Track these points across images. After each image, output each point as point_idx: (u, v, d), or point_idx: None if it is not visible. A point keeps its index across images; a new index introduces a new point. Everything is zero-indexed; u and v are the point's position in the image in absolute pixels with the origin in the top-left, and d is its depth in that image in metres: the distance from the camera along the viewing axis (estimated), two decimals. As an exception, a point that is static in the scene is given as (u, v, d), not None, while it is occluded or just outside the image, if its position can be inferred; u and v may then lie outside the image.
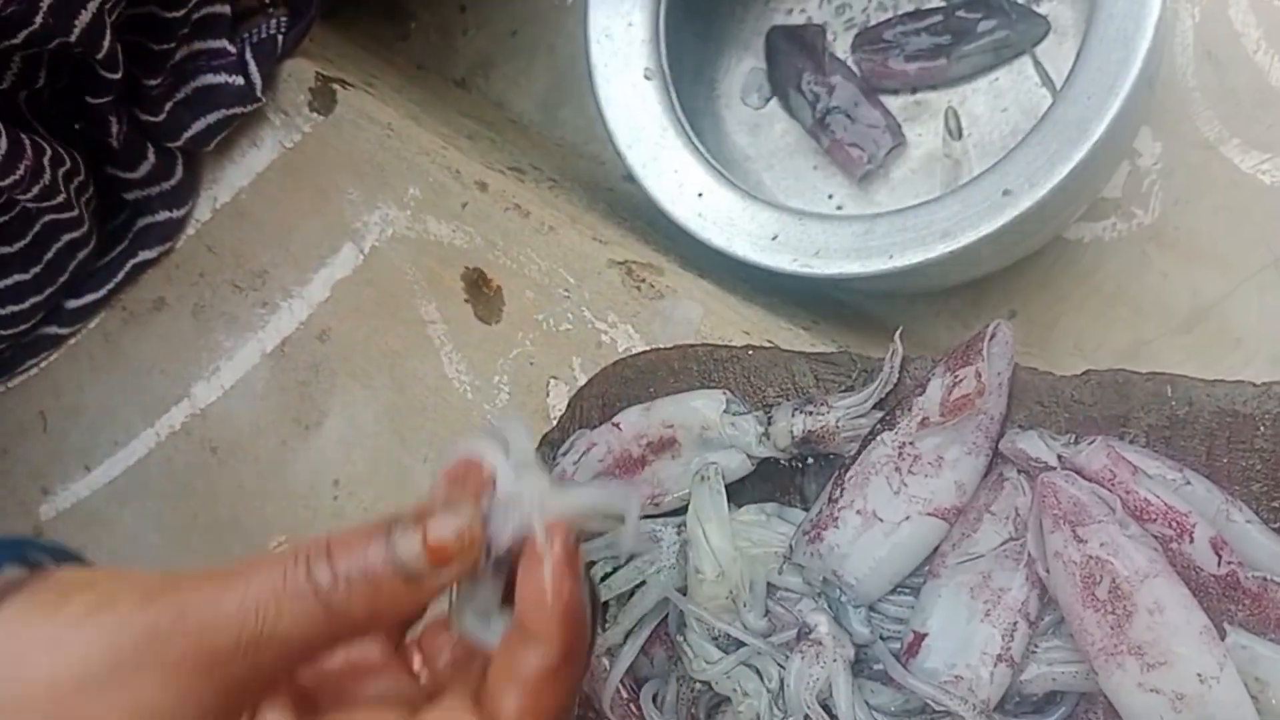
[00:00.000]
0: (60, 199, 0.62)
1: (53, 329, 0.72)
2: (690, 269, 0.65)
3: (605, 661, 0.53)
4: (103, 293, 0.70)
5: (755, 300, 0.64)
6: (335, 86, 0.66)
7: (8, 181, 0.57)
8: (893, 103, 0.78)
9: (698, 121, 0.78)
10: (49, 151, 0.60)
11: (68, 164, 0.62)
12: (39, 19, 0.52)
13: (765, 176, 0.79)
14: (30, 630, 0.27)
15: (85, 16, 0.54)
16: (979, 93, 0.76)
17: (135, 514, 0.70)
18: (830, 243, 0.62)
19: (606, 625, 0.54)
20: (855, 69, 0.78)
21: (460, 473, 0.32)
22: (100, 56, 0.58)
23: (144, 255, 0.69)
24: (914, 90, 0.78)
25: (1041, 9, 0.74)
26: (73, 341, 0.72)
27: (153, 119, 0.64)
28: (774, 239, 0.63)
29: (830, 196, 0.78)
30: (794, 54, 0.78)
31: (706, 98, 0.80)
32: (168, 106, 0.64)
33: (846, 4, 0.79)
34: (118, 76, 0.59)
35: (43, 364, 0.73)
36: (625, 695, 0.52)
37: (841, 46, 0.78)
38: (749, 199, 0.64)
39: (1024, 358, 0.75)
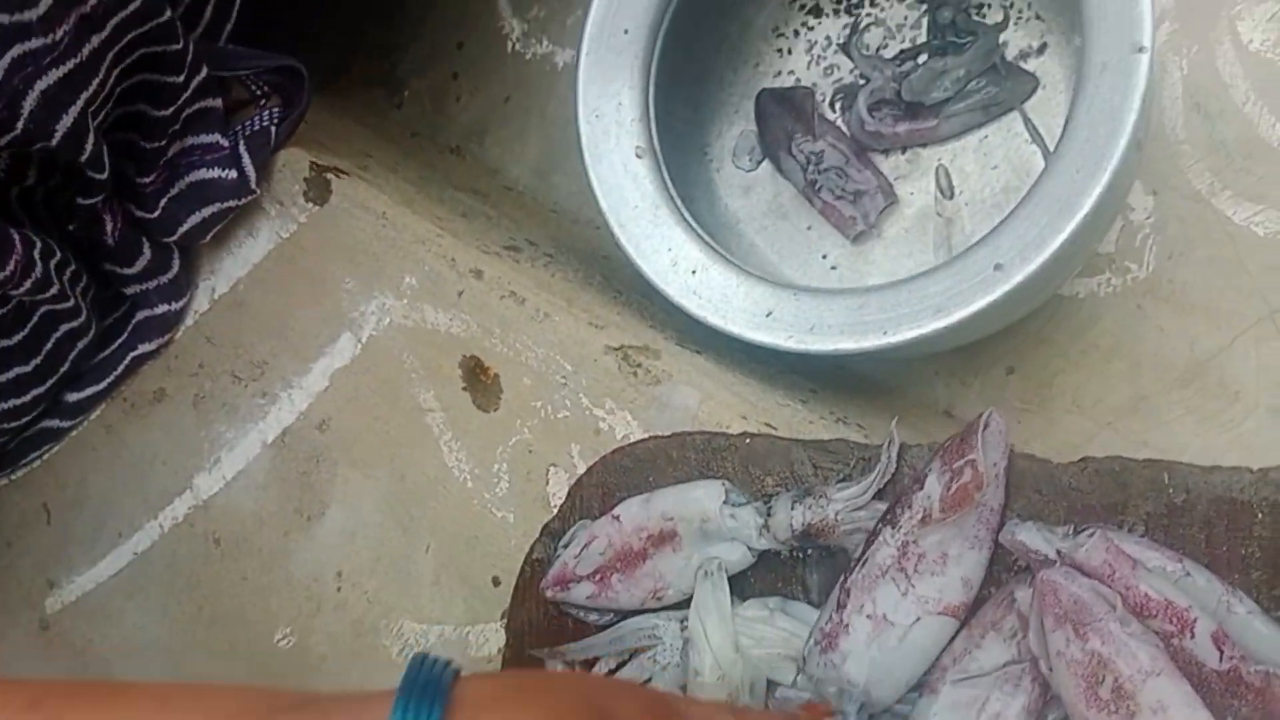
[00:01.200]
0: (55, 290, 0.63)
1: (54, 422, 0.72)
2: (686, 345, 0.65)
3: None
4: (103, 385, 0.71)
5: (752, 373, 0.64)
6: (330, 175, 0.66)
7: None
8: (884, 161, 0.78)
9: (690, 186, 0.79)
10: (39, 244, 0.60)
11: (58, 256, 0.62)
12: (20, 125, 0.53)
13: (759, 239, 0.79)
14: None
15: (66, 121, 0.54)
16: (969, 150, 0.76)
17: (140, 607, 0.70)
18: (825, 319, 0.62)
19: None
20: (845, 129, 0.78)
21: None
22: (84, 159, 0.58)
23: (143, 348, 0.69)
24: (904, 149, 0.78)
25: (1030, 65, 0.74)
26: (74, 434, 0.73)
27: (148, 215, 0.65)
28: (769, 316, 0.63)
29: (824, 256, 0.78)
30: (784, 116, 0.78)
31: (699, 162, 0.81)
32: (162, 203, 0.64)
33: (834, 65, 0.80)
34: (104, 177, 0.60)
35: (45, 456, 0.74)
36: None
37: (831, 108, 0.79)
38: (743, 275, 0.64)
39: (1023, 414, 0.75)
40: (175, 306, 0.68)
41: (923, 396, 0.76)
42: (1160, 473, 0.46)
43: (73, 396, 0.72)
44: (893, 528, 0.47)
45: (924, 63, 0.76)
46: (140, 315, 0.69)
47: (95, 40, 0.54)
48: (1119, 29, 0.55)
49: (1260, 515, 0.45)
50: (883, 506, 0.50)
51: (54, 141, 0.55)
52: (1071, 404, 0.74)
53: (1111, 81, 0.56)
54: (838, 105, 0.79)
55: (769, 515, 0.51)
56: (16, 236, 0.58)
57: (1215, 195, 0.71)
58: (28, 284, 0.60)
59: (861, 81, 0.78)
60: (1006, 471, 0.48)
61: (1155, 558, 0.45)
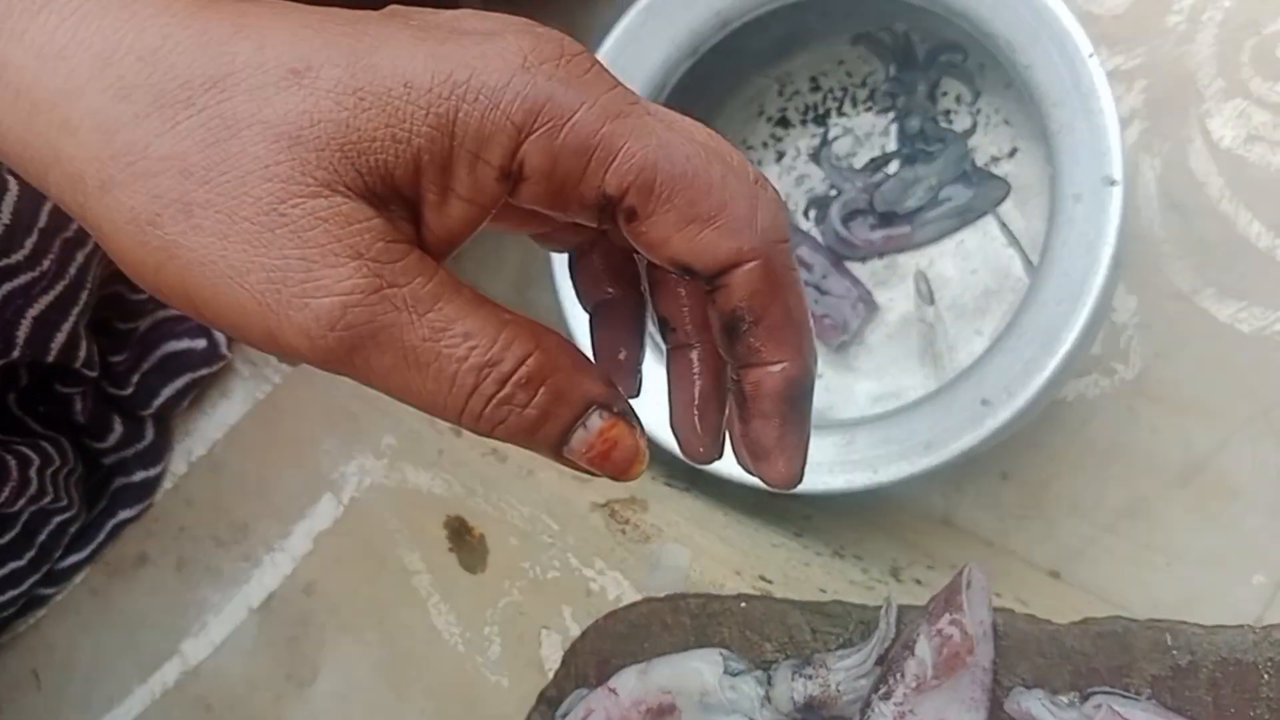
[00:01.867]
0: (49, 498, 0.62)
1: (40, 590, 0.71)
2: (674, 482, 0.64)
3: None
4: (86, 553, 0.70)
5: (742, 513, 0.64)
6: (301, 333, 0.65)
7: None
8: (862, 269, 0.77)
9: (670, 304, 0.78)
10: (37, 460, 0.60)
11: (56, 463, 0.62)
12: (16, 352, 0.52)
13: (743, 352, 0.79)
14: None
15: (60, 338, 0.54)
16: (947, 255, 0.75)
17: (135, 777, 0.69)
18: (813, 457, 0.60)
19: None
20: (820, 240, 0.78)
21: None
22: (79, 364, 0.58)
23: (124, 514, 0.68)
24: (882, 255, 0.77)
25: (1001, 170, 0.74)
26: (59, 599, 0.71)
27: (121, 392, 0.64)
28: (756, 455, 0.62)
29: (810, 366, 0.77)
30: (759, 230, 0.78)
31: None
32: (134, 379, 0.64)
33: (805, 175, 0.79)
34: (95, 374, 0.59)
35: (31, 621, 0.72)
36: None
37: (805, 218, 0.78)
38: (727, 411, 0.64)
39: (1022, 520, 0.74)
40: (153, 472, 0.67)
41: (919, 507, 0.75)
42: (1163, 634, 0.45)
43: (58, 565, 0.71)
44: (886, 700, 0.46)
45: (895, 172, 0.76)
46: (118, 482, 0.68)
47: (80, 256, 0.54)
48: (1089, 162, 0.55)
49: (1266, 676, 0.44)
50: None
51: (50, 358, 0.54)
52: (1070, 508, 0.73)
53: (1085, 213, 0.55)
54: (811, 215, 0.79)
55: (770, 686, 0.50)
56: (13, 461, 0.58)
57: (1198, 293, 0.71)
58: (23, 500, 0.59)
59: (834, 192, 0.78)
60: (994, 626, 0.47)
61: (1164, 727, 0.44)
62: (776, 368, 0.31)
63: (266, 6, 0.28)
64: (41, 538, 0.65)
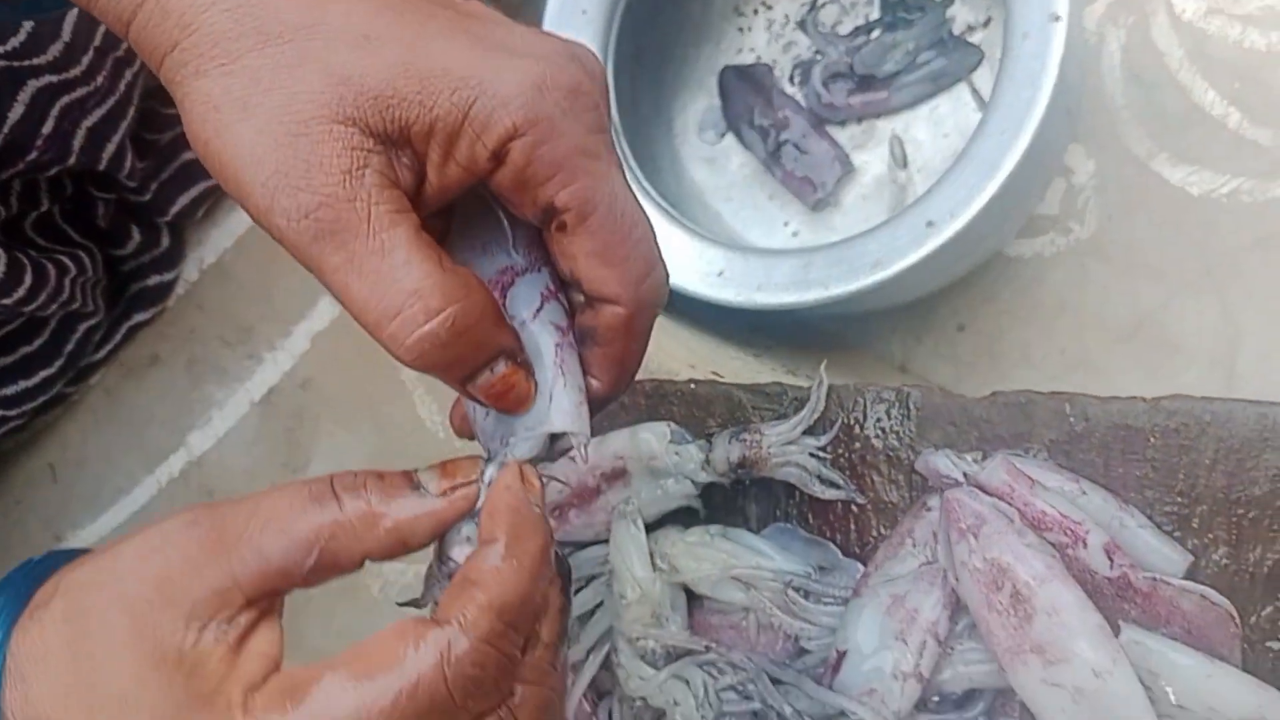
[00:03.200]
0: (78, 304, 0.67)
1: (60, 389, 0.77)
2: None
3: (570, 676, 0.57)
4: (103, 353, 0.75)
5: (708, 331, 0.69)
6: (308, 151, 0.70)
7: (11, 300, 0.61)
8: (841, 133, 0.82)
9: (657, 159, 0.83)
10: (72, 269, 0.65)
11: (89, 272, 0.67)
12: (72, 159, 0.58)
13: (724, 208, 0.83)
14: None
15: (110, 149, 0.59)
16: (921, 120, 0.80)
17: (141, 557, 0.75)
18: (772, 277, 0.66)
19: (571, 643, 0.58)
20: (803, 103, 0.82)
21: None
22: (124, 175, 0.63)
23: (139, 317, 0.74)
24: (860, 120, 0.82)
25: (975, 39, 0.78)
26: (76, 398, 0.77)
27: (140, 199, 0.69)
28: (720, 275, 0.67)
29: (786, 224, 0.82)
30: (745, 92, 0.82)
31: (664, 136, 0.85)
32: (153, 186, 0.69)
33: (793, 42, 0.83)
34: (136, 184, 0.64)
35: (49, 418, 0.78)
36: (588, 708, 0.57)
37: (790, 83, 0.83)
38: (697, 238, 0.69)
39: (973, 370, 0.79)
40: (167, 277, 0.73)
41: (879, 353, 0.80)
42: (1063, 403, 0.50)
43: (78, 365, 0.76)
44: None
45: (876, 37, 0.80)
46: (135, 287, 0.74)
47: (129, 74, 0.60)
48: (1037, 1, 0.59)
49: (1153, 440, 0.49)
50: (812, 441, 0.54)
51: (101, 166, 0.60)
52: (1020, 359, 0.77)
53: (1031, 49, 0.59)
54: (796, 80, 0.83)
55: (710, 451, 0.55)
56: (51, 267, 0.63)
57: (1153, 158, 0.75)
58: (55, 306, 0.65)
59: (818, 57, 0.82)
60: (909, 400, 0.52)
61: (1054, 479, 0.49)
62: (594, 383, 0.40)
63: None
64: (69, 346, 0.71)
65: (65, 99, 0.57)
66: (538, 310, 0.39)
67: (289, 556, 0.33)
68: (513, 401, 0.38)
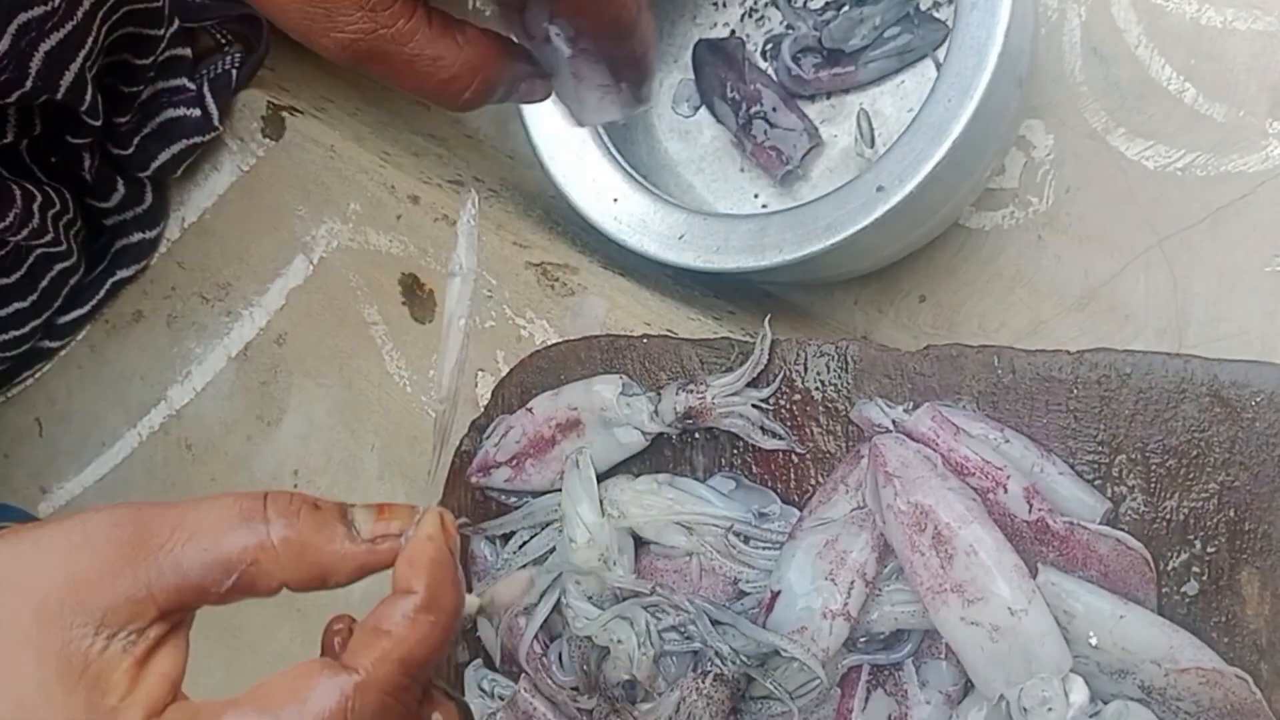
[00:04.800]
0: (50, 237, 0.70)
1: (45, 343, 0.80)
2: (611, 268, 0.71)
3: (522, 620, 0.60)
4: (87, 309, 0.78)
5: (669, 293, 0.71)
6: (285, 114, 0.73)
7: None
8: (810, 107, 0.83)
9: (631, 129, 0.85)
10: (39, 197, 0.67)
11: (57, 206, 0.69)
12: (29, 83, 0.60)
13: (695, 180, 0.85)
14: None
15: (69, 77, 0.61)
16: (887, 95, 0.81)
17: (122, 507, 0.77)
18: (730, 241, 0.68)
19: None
20: (774, 77, 0.84)
21: None
22: (84, 109, 0.65)
23: (122, 274, 0.76)
24: (829, 95, 0.83)
25: (941, 15, 0.80)
26: (63, 353, 0.80)
27: (123, 153, 0.71)
28: (681, 238, 0.69)
29: (756, 196, 0.84)
30: (718, 65, 0.84)
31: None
32: (136, 141, 0.71)
33: (765, 17, 0.85)
34: (98, 123, 0.66)
35: (36, 375, 0.81)
36: (539, 649, 0.59)
37: (762, 58, 0.85)
38: (660, 202, 0.71)
39: (933, 338, 0.81)
40: (150, 235, 0.75)
41: (841, 323, 0.82)
42: (991, 356, 0.52)
43: (61, 319, 0.79)
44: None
45: (844, 12, 0.81)
46: (119, 244, 0.76)
47: (87, 3, 0.61)
48: (985, -30, 0.61)
49: (1075, 391, 0.51)
50: (755, 393, 0.56)
51: (59, 95, 0.62)
52: (978, 328, 0.79)
53: (979, 19, 0.61)
54: (768, 54, 0.85)
55: (659, 402, 0.57)
56: (17, 191, 0.65)
57: (1110, 133, 0.76)
58: (25, 232, 0.67)
59: (789, 31, 0.84)
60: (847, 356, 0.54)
61: (979, 427, 0.51)
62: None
63: None
64: (44, 283, 0.73)
65: (23, 16, 0.58)
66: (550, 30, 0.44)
67: (208, 574, 0.33)
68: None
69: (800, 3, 0.84)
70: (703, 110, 0.86)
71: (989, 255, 0.79)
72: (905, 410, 0.52)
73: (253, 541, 0.33)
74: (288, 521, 0.34)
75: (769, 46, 0.85)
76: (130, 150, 0.72)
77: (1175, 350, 0.74)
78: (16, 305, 0.72)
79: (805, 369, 0.56)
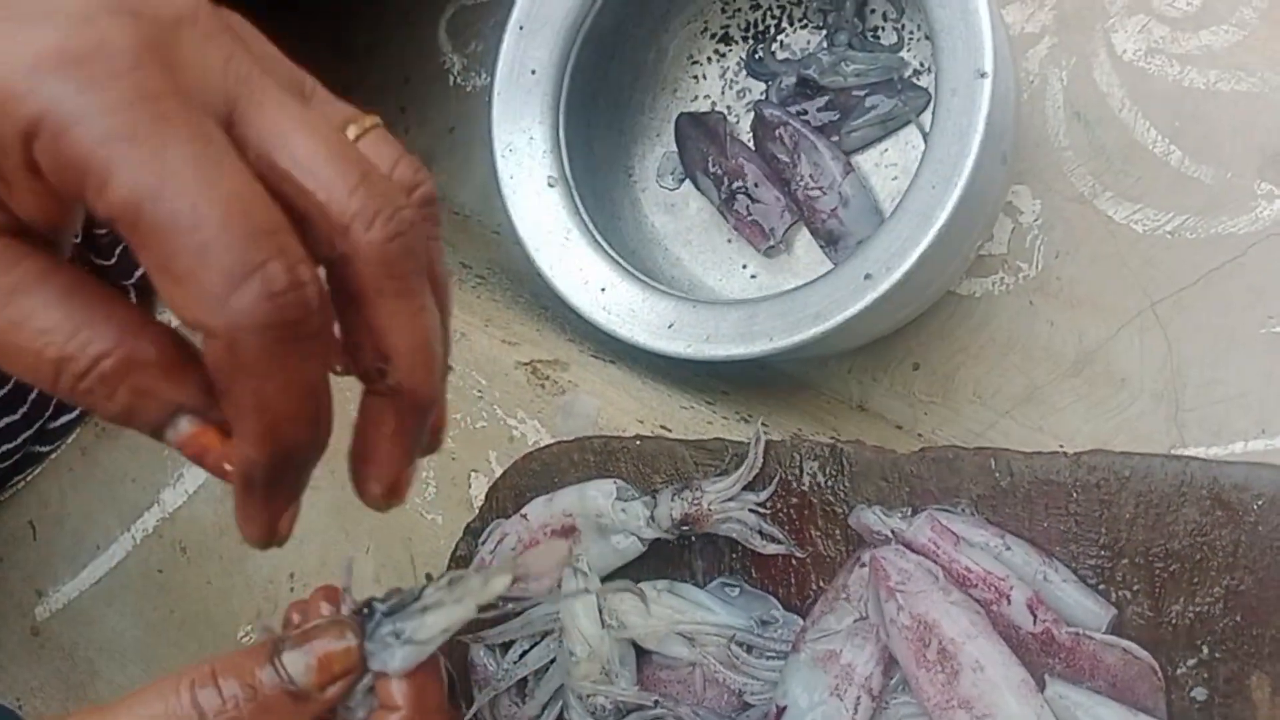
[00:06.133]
0: None
1: (36, 448, 0.79)
2: (601, 356, 0.71)
3: (525, 732, 0.59)
4: (76, 413, 0.77)
5: (660, 380, 0.70)
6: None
7: None
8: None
9: (616, 205, 0.85)
10: None
11: None
12: None
13: (684, 253, 0.85)
14: None
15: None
16: (870, 164, 0.81)
17: (119, 611, 0.77)
18: (720, 329, 0.67)
19: (527, 698, 0.60)
20: (753, 149, 0.84)
21: (316, 601, 0.37)
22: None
23: (109, 377, 0.76)
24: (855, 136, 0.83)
25: (922, 82, 0.80)
26: (53, 456, 0.79)
27: (106, 263, 0.71)
28: (670, 327, 0.68)
29: (744, 266, 0.84)
30: (699, 139, 0.84)
31: (624, 183, 0.86)
32: (117, 251, 0.71)
33: (746, 89, 0.85)
34: (78, 239, 0.66)
35: (28, 478, 0.80)
36: (543, 763, 0.58)
37: (744, 129, 0.84)
38: (649, 290, 0.70)
39: (929, 407, 0.81)
40: (136, 338, 0.75)
41: (836, 393, 0.82)
42: (988, 459, 0.52)
43: (52, 424, 0.78)
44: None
45: (825, 49, 0.81)
46: (106, 347, 0.75)
47: None
48: (965, 57, 0.61)
49: (1075, 495, 0.50)
50: (752, 497, 0.55)
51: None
52: (972, 395, 0.79)
53: (960, 105, 0.61)
54: (749, 125, 0.84)
55: (654, 508, 0.57)
56: None
57: (1097, 197, 0.76)
58: None
59: (767, 88, 0.83)
60: (843, 456, 0.54)
61: (979, 534, 0.50)
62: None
63: None
64: (33, 395, 0.73)
65: None
66: None
67: None
68: (213, 467, 0.32)
69: (776, 60, 0.83)
70: (687, 183, 0.86)
71: (980, 321, 0.79)
72: (903, 517, 0.51)
73: None
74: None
75: (750, 117, 0.84)
76: (113, 260, 0.71)
77: (1174, 414, 0.75)
78: (8, 419, 0.72)
79: (800, 471, 0.55)
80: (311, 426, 0.31)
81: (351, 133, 0.33)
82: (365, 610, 0.36)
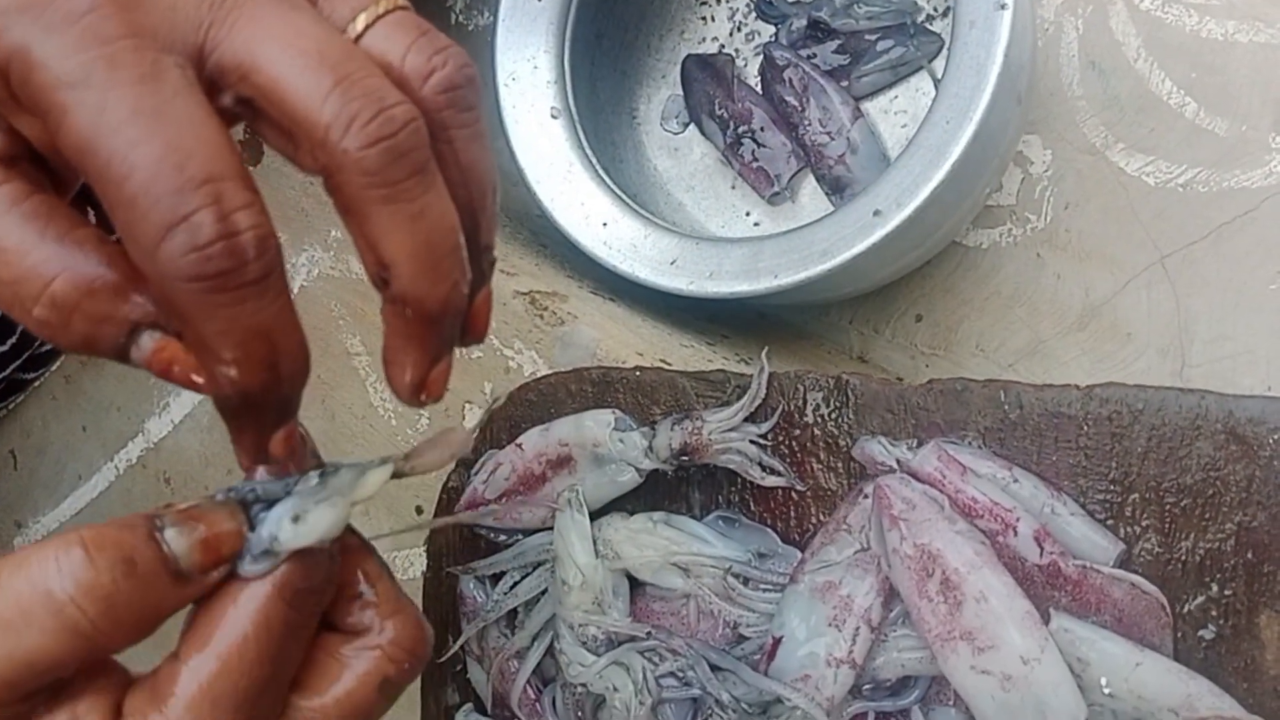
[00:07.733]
0: None
1: (20, 374, 0.77)
2: (601, 293, 0.69)
3: (514, 663, 0.58)
4: (61, 338, 0.76)
5: (661, 318, 0.69)
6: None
7: None
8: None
9: (620, 148, 0.83)
10: None
11: None
12: None
13: (686, 198, 0.83)
14: None
15: None
16: (879, 110, 0.80)
17: (100, 543, 0.75)
18: (723, 266, 0.66)
19: (516, 629, 0.58)
20: (759, 92, 0.82)
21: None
22: None
23: (96, 303, 0.74)
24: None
25: (935, 27, 0.78)
26: (37, 384, 0.78)
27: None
28: (673, 263, 0.67)
29: (748, 214, 0.82)
30: (706, 82, 0.82)
31: (628, 124, 0.85)
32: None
33: (755, 31, 0.83)
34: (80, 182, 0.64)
35: (10, 406, 0.78)
36: (532, 695, 0.57)
37: (751, 72, 0.83)
38: (651, 226, 0.69)
39: (931, 359, 0.79)
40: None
41: (836, 343, 0.80)
42: (997, 391, 0.50)
43: (38, 350, 0.76)
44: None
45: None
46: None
47: None
48: (983, -13, 0.59)
49: (1085, 428, 0.49)
50: (753, 429, 0.54)
51: None
52: (976, 348, 0.78)
53: (978, 38, 0.59)
54: (758, 68, 0.83)
55: (652, 438, 0.55)
56: None
57: (1109, 148, 0.75)
58: None
59: (777, 29, 0.82)
60: (848, 387, 0.53)
61: (986, 466, 0.49)
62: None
63: None
64: (22, 327, 0.71)
65: None
66: None
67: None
68: (181, 377, 0.30)
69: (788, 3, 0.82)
70: (692, 127, 0.84)
71: (986, 273, 0.77)
72: (909, 448, 0.50)
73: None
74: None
75: (759, 59, 0.82)
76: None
77: (1179, 369, 0.74)
78: None
79: (804, 403, 0.54)
80: (263, 368, 0.29)
81: (361, 22, 0.31)
82: (248, 498, 0.32)
